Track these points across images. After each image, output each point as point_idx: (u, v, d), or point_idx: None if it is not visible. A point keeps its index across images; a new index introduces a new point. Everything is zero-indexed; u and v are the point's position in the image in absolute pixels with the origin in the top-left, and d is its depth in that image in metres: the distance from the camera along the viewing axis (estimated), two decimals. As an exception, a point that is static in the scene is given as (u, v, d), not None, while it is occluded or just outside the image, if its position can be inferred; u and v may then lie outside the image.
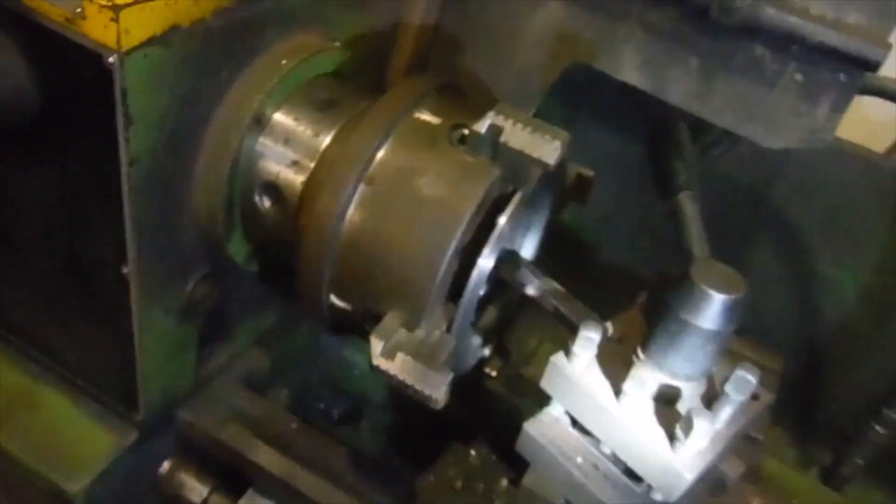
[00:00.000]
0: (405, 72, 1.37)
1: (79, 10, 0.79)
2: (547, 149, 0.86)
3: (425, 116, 0.96)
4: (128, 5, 0.78)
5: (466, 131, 0.92)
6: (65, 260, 1.07)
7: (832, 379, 1.56)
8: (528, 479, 0.89)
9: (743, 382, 0.74)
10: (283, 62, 1.01)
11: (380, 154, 0.93)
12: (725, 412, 0.76)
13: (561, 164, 1.03)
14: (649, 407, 0.78)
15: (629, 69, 1.26)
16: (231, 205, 1.02)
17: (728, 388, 0.75)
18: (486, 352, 1.14)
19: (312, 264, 0.95)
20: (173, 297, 1.09)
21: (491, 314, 1.13)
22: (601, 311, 0.94)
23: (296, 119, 1.01)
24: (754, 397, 0.81)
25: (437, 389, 0.87)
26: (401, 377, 0.89)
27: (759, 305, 1.60)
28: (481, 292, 0.95)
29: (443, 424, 1.34)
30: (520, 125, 0.87)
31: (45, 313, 1.20)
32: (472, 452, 1.30)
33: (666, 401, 0.79)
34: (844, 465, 1.31)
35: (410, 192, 0.91)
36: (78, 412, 1.23)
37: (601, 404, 0.78)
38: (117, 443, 1.20)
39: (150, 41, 0.83)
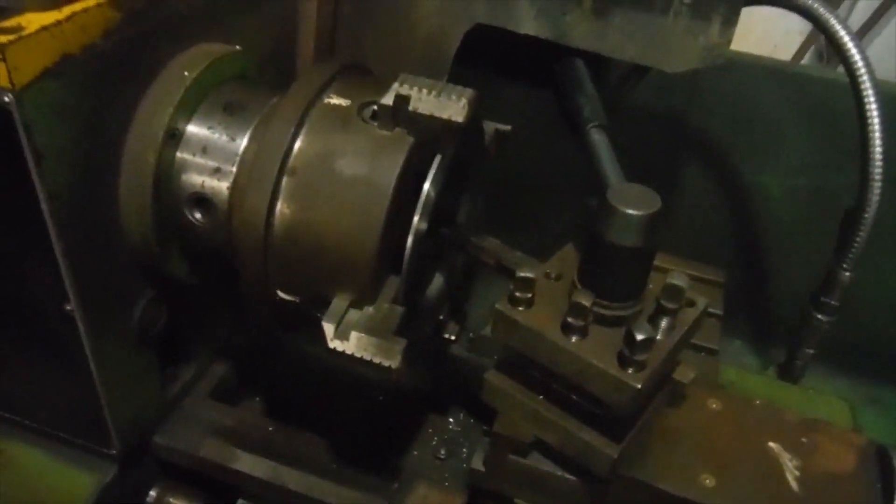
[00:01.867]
0: (313, 63, 1.38)
1: (-36, 55, 0.78)
2: (455, 108, 0.88)
3: (334, 100, 0.97)
4: (11, 43, 0.78)
5: (376, 107, 0.93)
6: (9, 307, 1.06)
7: (774, 280, 1.63)
8: (498, 425, 0.92)
9: (673, 290, 0.78)
10: (186, 73, 1.01)
11: (297, 144, 0.94)
12: (663, 322, 0.80)
13: (476, 124, 1.07)
14: (593, 331, 0.82)
15: (527, 21, 1.29)
16: (162, 223, 1.02)
17: (662, 298, 0.78)
18: (441, 317, 1.17)
19: (252, 265, 0.96)
20: (123, 326, 1.09)
21: (438, 280, 1.16)
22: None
23: (209, 127, 1.02)
24: (690, 304, 0.85)
25: (393, 357, 0.90)
26: (357, 354, 0.91)
27: (696, 225, 1.66)
28: (422, 259, 0.98)
29: (418, 400, 1.37)
30: (425, 90, 0.89)
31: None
32: (451, 420, 1.33)
33: (609, 323, 0.83)
34: (797, 358, 1.38)
35: (333, 176, 0.92)
36: (53, 460, 1.22)
37: (549, 339, 0.82)
38: (97, 481, 1.20)
39: (44, 74, 0.83)
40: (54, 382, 1.14)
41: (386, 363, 0.90)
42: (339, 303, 0.94)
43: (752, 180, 1.60)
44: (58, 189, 0.89)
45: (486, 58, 1.40)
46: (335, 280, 0.94)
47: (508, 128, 1.17)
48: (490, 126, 1.18)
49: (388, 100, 0.90)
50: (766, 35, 1.51)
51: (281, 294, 0.99)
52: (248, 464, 1.22)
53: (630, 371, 0.77)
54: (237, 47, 1.11)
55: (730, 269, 1.44)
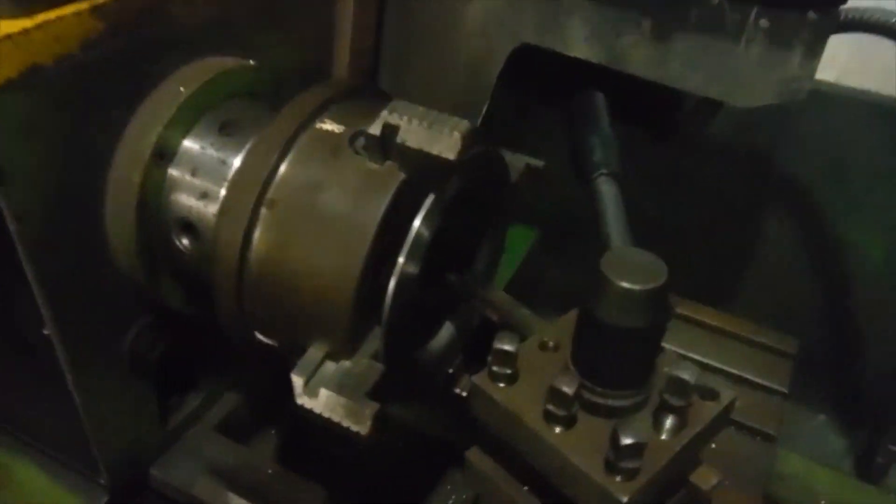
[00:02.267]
0: (350, 76, 1.29)
1: (-79, 65, 0.74)
2: (446, 143, 0.76)
3: (327, 126, 0.87)
4: (-34, 52, 0.73)
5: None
6: (2, 328, 1.03)
7: (866, 354, 1.40)
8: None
9: (678, 384, 0.62)
10: (182, 89, 0.94)
11: (280, 173, 0.85)
12: (668, 420, 0.65)
13: (491, 158, 0.94)
14: (582, 422, 0.67)
15: (578, 43, 1.16)
16: (149, 248, 0.96)
17: (665, 393, 0.63)
18: (451, 371, 1.04)
19: (226, 302, 0.87)
20: (111, 353, 1.03)
21: (448, 331, 1.03)
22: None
23: (202, 148, 0.94)
24: (710, 397, 0.69)
25: (362, 423, 0.78)
26: (325, 414, 0.80)
27: (775, 281, 1.45)
28: (418, 308, 0.86)
29: (439, 448, 1.25)
30: (416, 121, 0.78)
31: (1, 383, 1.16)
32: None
33: (603, 414, 0.68)
34: (879, 454, 1.15)
35: (314, 212, 0.82)
36: (52, 483, 1.19)
37: (527, 425, 0.67)
38: (87, 509, 1.15)
39: (7, 86, 0.77)
40: (48, 405, 1.10)
41: (354, 428, 0.79)
42: (313, 353, 0.84)
43: (846, 236, 1.38)
44: (26, 211, 0.83)
45: (534, 81, 1.28)
46: (310, 327, 0.84)
47: (541, 163, 1.04)
48: (520, 160, 1.05)
49: (375, 129, 0.79)
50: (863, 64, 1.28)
51: (259, 336, 0.90)
52: (240, 510, 1.13)
53: (618, 479, 0.62)
54: (250, 62, 1.04)
55: (815, 333, 1.24)
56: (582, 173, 0.85)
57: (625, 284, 0.61)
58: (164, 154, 0.93)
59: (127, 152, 0.91)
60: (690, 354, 1.24)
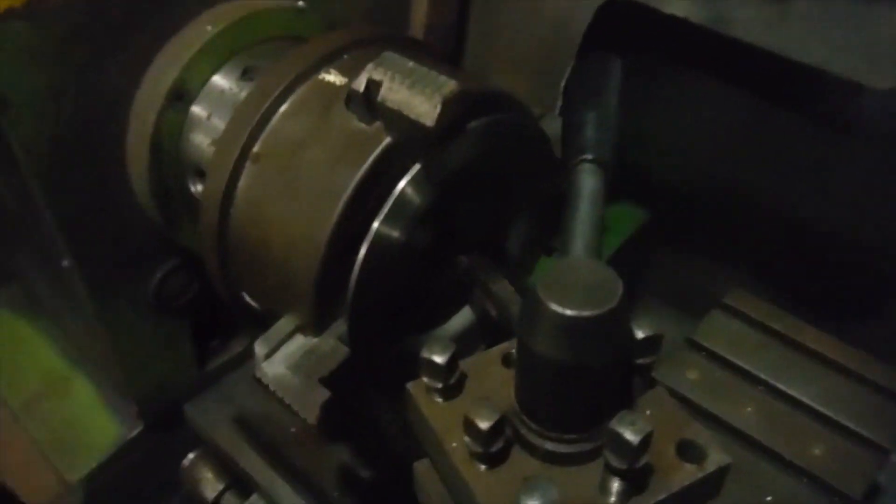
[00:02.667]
0: (427, 31, 1.19)
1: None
2: (425, 107, 0.65)
3: (330, 77, 0.79)
4: (-37, -25, 0.72)
5: (354, 92, 0.73)
6: (40, 252, 1.06)
7: None
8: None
9: (620, 444, 0.48)
10: (209, 28, 0.89)
11: (270, 125, 0.78)
12: (614, 484, 0.51)
13: (524, 132, 0.81)
14: (515, 462, 0.55)
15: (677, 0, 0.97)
16: (165, 191, 0.93)
17: (606, 450, 0.49)
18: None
19: (210, 257, 0.83)
20: (137, 291, 1.03)
21: (466, 316, 0.92)
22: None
23: (221, 91, 0.90)
24: (694, 458, 0.53)
25: (309, 410, 0.71)
26: (278, 392, 0.74)
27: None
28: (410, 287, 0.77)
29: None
30: (398, 78, 0.67)
31: (63, 304, 1.21)
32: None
33: (544, 458, 0.55)
34: None
35: (292, 170, 0.75)
36: (99, 402, 1.24)
37: (446, 454, 0.56)
38: (122, 435, 1.19)
39: (8, 14, 0.76)
40: (93, 331, 1.13)
41: (301, 414, 0.72)
42: (284, 323, 0.77)
43: None
44: (32, 140, 0.83)
45: (627, 42, 1.10)
46: (281, 295, 0.78)
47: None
48: None
49: (359, 85, 0.69)
50: None
51: (246, 297, 0.85)
52: (249, 463, 1.12)
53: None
54: (296, 4, 0.97)
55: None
56: (565, 155, 0.70)
57: (555, 307, 0.47)
58: (183, 95, 0.89)
59: (145, 90, 0.89)
60: (774, 382, 1.04)
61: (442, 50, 1.23)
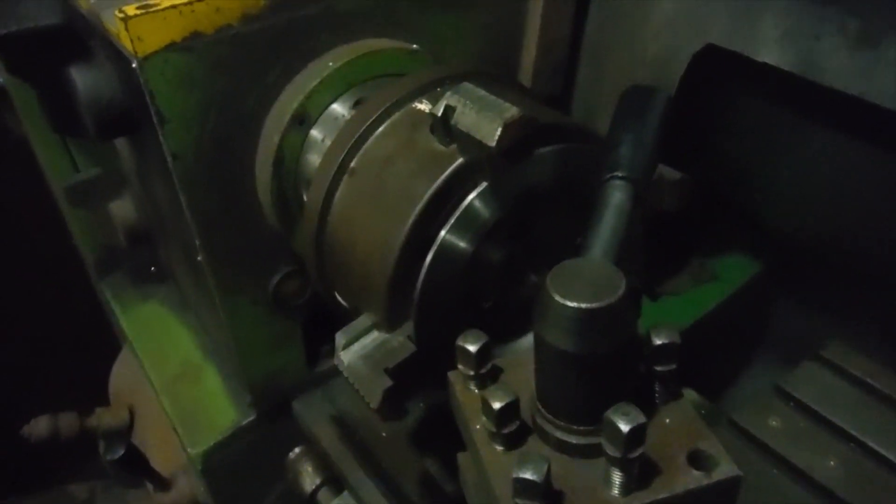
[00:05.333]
0: (535, 74, 1.28)
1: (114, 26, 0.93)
2: (488, 129, 0.73)
3: (422, 105, 0.89)
4: (136, 16, 0.89)
5: (436, 118, 0.83)
6: (183, 250, 1.24)
7: None
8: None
9: (613, 433, 0.52)
10: (331, 64, 1.03)
11: (366, 144, 0.89)
12: (615, 475, 0.55)
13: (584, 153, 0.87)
14: (529, 449, 0.60)
15: (769, 45, 1.00)
16: (284, 202, 1.07)
17: (602, 437, 0.54)
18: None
19: (310, 259, 0.95)
20: (258, 290, 1.18)
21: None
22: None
23: (335, 118, 1.03)
24: (703, 465, 0.56)
25: (373, 396, 0.80)
26: (349, 378, 0.83)
27: None
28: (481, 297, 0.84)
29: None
30: (469, 104, 0.76)
31: (201, 301, 1.39)
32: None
33: (557, 447, 0.60)
34: None
35: (378, 183, 0.85)
36: (223, 390, 1.41)
37: (471, 434, 0.62)
38: (237, 420, 1.34)
39: (170, 47, 0.93)
40: (218, 323, 1.29)
41: (366, 399, 0.81)
42: (364, 319, 0.87)
43: None
44: (181, 150, 0.99)
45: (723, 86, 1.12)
46: (361, 295, 0.88)
47: (678, 176, 0.93)
48: (673, 173, 0.95)
49: (438, 109, 0.79)
50: None
51: (337, 297, 0.96)
52: (343, 461, 1.21)
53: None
54: (409, 46, 1.09)
55: None
56: (598, 174, 0.73)
57: (558, 298, 0.53)
58: (304, 120, 1.03)
59: (273, 114, 1.03)
60: (862, 438, 1.01)
61: (550, 92, 1.31)
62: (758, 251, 1.58)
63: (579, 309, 0.53)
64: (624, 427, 0.52)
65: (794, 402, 1.08)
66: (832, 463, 1.00)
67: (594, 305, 0.52)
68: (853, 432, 1.02)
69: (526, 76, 1.28)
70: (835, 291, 1.36)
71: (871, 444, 1.00)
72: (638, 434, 0.53)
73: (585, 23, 1.27)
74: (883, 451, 0.99)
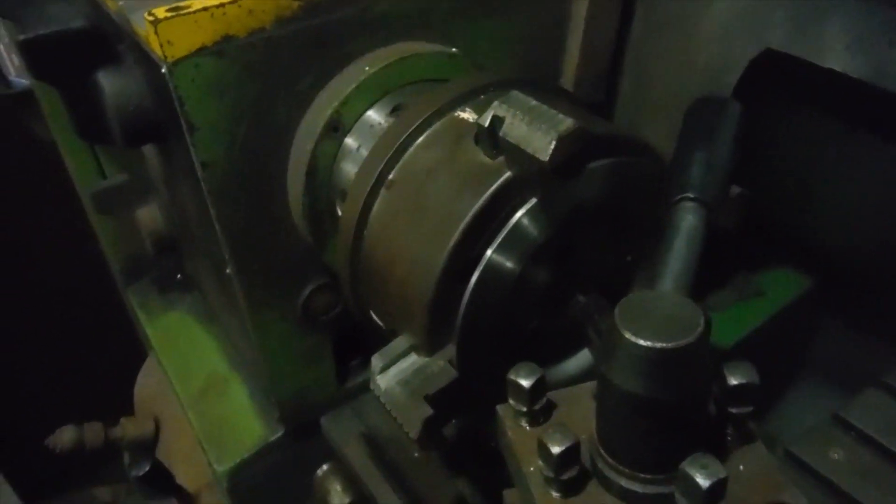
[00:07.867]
0: (577, 81, 1.22)
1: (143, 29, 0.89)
2: (541, 142, 0.67)
3: (465, 115, 0.84)
4: (167, 19, 0.85)
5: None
6: (211, 262, 1.20)
7: None
8: None
9: (690, 487, 0.46)
10: (367, 68, 0.98)
11: (406, 155, 0.84)
12: (686, 527, 0.49)
13: (653, 177, 0.81)
14: (591, 494, 0.54)
15: (835, 51, 0.93)
16: (317, 213, 1.03)
17: (677, 493, 0.48)
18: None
19: (344, 275, 0.90)
20: (287, 304, 1.13)
21: (584, 359, 0.92)
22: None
23: (371, 126, 0.98)
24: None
25: (412, 425, 0.75)
26: (386, 405, 0.78)
27: None
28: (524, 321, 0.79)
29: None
30: (520, 115, 0.70)
31: (229, 313, 1.35)
32: None
33: (620, 495, 0.54)
34: None
35: (419, 197, 0.80)
36: (250, 404, 1.36)
37: (524, 477, 0.57)
38: (264, 437, 1.29)
39: (201, 51, 0.89)
40: (246, 339, 1.25)
41: (404, 428, 0.76)
42: (401, 341, 0.82)
43: None
44: (212, 159, 0.95)
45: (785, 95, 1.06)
46: (399, 315, 0.82)
47: (738, 191, 0.86)
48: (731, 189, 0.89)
49: (485, 120, 0.74)
50: None
51: (373, 315, 0.91)
52: (372, 480, 1.17)
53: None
54: (448, 50, 1.04)
55: None
56: (667, 193, 0.68)
57: (629, 336, 0.47)
58: (338, 127, 0.98)
59: (306, 122, 0.99)
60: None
61: (592, 101, 1.25)
62: (807, 265, 1.51)
63: (653, 349, 0.47)
64: (703, 482, 0.46)
65: (855, 433, 1.01)
66: (902, 501, 0.93)
67: (670, 345, 0.47)
68: (923, 467, 0.95)
69: (567, 84, 1.23)
70: (891, 313, 1.28)
71: (942, 480, 0.93)
72: (718, 490, 0.47)
73: (630, 28, 1.21)
74: (956, 489, 0.92)
